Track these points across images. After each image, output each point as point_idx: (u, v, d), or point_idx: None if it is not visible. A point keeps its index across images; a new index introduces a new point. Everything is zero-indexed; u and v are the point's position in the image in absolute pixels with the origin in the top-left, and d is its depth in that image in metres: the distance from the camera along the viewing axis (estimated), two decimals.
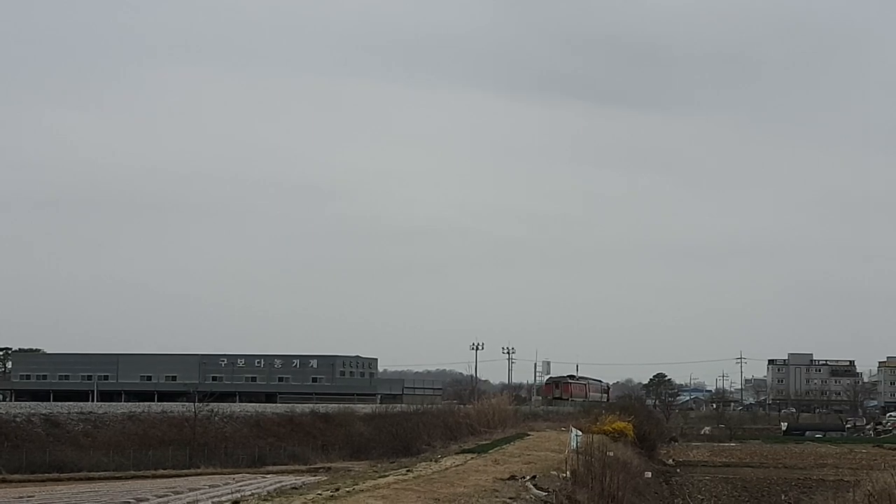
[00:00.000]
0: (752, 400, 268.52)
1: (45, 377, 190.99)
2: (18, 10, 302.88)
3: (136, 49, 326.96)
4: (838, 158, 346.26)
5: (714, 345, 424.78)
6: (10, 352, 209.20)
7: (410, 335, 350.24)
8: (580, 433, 54.24)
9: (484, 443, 69.97)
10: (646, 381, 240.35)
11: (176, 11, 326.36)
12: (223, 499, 44.11)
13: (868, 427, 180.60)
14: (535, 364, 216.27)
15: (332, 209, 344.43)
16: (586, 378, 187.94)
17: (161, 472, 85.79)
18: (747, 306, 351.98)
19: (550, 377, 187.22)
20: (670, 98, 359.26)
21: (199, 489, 63.17)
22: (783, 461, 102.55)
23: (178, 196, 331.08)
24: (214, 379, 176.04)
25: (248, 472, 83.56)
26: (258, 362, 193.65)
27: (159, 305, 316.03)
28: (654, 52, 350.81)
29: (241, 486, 64.98)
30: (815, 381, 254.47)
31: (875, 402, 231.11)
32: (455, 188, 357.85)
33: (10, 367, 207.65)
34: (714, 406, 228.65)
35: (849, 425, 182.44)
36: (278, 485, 57.72)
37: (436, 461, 52.33)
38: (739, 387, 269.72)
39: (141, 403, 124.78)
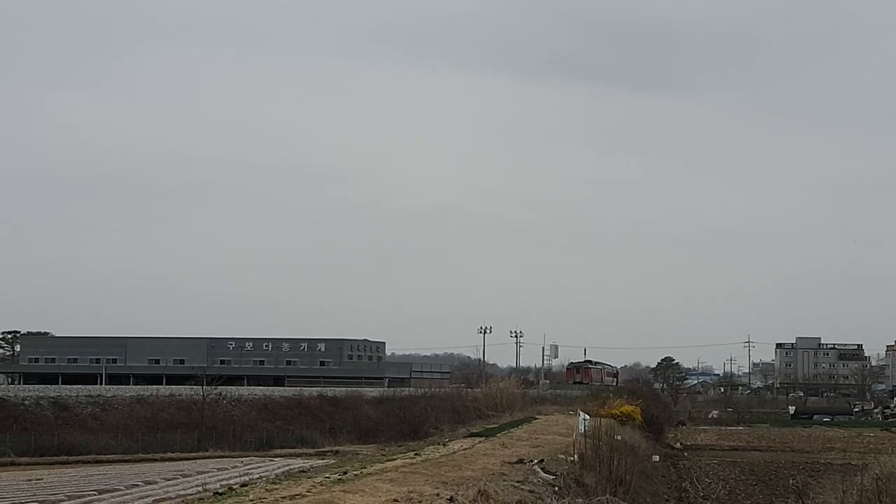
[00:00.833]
0: (759, 384, 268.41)
1: (53, 360, 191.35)
2: None
3: (139, 31, 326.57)
4: (846, 142, 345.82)
5: (722, 328, 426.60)
6: (18, 335, 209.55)
7: (418, 319, 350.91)
8: (588, 417, 54.23)
9: (492, 426, 70.00)
10: (654, 365, 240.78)
11: None
12: (231, 482, 44.14)
13: (876, 411, 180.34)
14: (543, 348, 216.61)
15: (340, 193, 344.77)
16: (602, 363, 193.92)
17: (169, 455, 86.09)
18: (755, 290, 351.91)
19: (571, 362, 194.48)
20: (676, 80, 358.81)
21: (208, 472, 63.38)
22: (791, 445, 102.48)
23: (184, 179, 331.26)
24: (222, 362, 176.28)
25: (256, 456, 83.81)
26: (266, 346, 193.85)
27: (167, 289, 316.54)
28: (659, 33, 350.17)
29: (249, 469, 65.16)
30: (823, 364, 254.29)
31: (883, 386, 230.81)
32: (461, 171, 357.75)
33: (18, 350, 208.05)
34: (722, 390, 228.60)
35: (857, 409, 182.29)
36: (286, 468, 57.83)
37: (443, 445, 52.36)
38: (747, 370, 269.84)
39: (149, 387, 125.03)
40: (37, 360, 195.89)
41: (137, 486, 56.67)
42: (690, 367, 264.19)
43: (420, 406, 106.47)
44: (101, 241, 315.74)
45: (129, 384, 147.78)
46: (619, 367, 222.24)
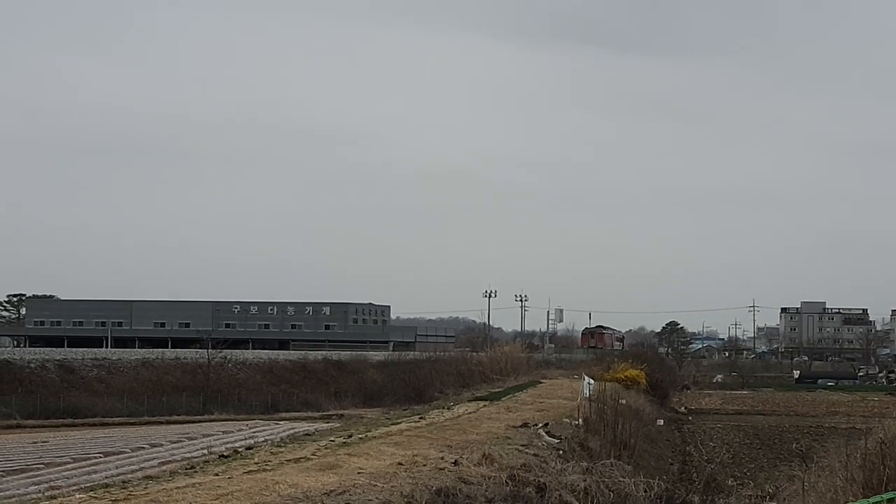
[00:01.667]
0: (764, 348, 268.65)
1: (59, 323, 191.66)
2: None
3: None
4: (853, 106, 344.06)
5: (727, 293, 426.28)
6: (24, 298, 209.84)
7: (423, 282, 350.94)
8: (592, 381, 54.28)
9: (496, 390, 70.11)
10: (658, 330, 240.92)
11: None
12: (237, 445, 44.27)
13: (880, 375, 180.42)
14: (548, 312, 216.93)
15: (345, 156, 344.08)
16: (610, 328, 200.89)
17: (175, 418, 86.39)
18: (760, 254, 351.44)
19: (586, 328, 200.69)
20: (681, 44, 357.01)
21: (213, 435, 63.52)
22: (795, 409, 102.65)
23: (189, 142, 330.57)
24: (227, 326, 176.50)
25: (261, 419, 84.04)
26: (271, 309, 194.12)
27: (172, 252, 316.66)
28: None
29: (254, 432, 65.36)
30: (828, 329, 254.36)
31: (888, 350, 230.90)
32: (465, 135, 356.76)
33: (24, 313, 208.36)
34: (726, 354, 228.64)
35: (861, 373, 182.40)
36: (291, 431, 58.01)
37: (448, 409, 52.45)
38: (752, 335, 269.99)
39: (154, 350, 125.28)
40: (42, 323, 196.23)
41: (143, 448, 56.86)
42: (695, 331, 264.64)
43: (425, 370, 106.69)
44: (107, 204, 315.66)
45: (134, 347, 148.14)
46: (623, 331, 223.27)
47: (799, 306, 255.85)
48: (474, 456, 29.21)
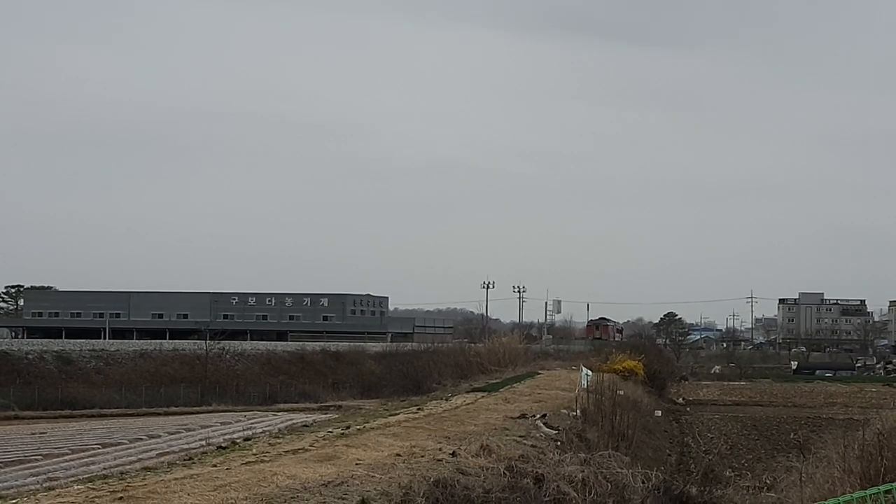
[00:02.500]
0: (762, 339, 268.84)
1: (57, 315, 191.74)
2: None
3: None
4: (850, 97, 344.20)
5: (725, 284, 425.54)
6: (22, 289, 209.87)
7: (421, 274, 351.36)
8: (590, 372, 54.30)
9: (494, 381, 70.10)
10: (656, 321, 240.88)
11: None
12: (235, 436, 44.29)
13: (878, 366, 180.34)
14: (546, 303, 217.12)
15: (343, 148, 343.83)
16: (613, 321, 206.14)
17: (173, 409, 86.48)
18: (758, 246, 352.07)
19: (592, 320, 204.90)
20: (679, 35, 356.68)
21: (211, 426, 63.60)
22: (793, 400, 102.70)
23: (188, 134, 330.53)
24: (226, 317, 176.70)
25: (260, 410, 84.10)
26: (269, 300, 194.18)
27: (171, 243, 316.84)
28: None
29: (252, 423, 65.35)
30: (826, 320, 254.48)
31: (885, 342, 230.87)
32: (462, 127, 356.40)
33: (22, 304, 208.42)
34: (724, 345, 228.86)
35: (859, 364, 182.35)
36: (289, 422, 58.01)
37: (446, 400, 52.46)
38: (750, 326, 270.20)
39: (153, 341, 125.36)
40: (40, 314, 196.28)
41: (141, 439, 56.90)
42: (693, 322, 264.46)
43: (423, 361, 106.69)
44: (105, 196, 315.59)
45: (132, 338, 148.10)
46: (622, 322, 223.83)
47: (797, 297, 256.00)
48: (472, 447, 29.23)
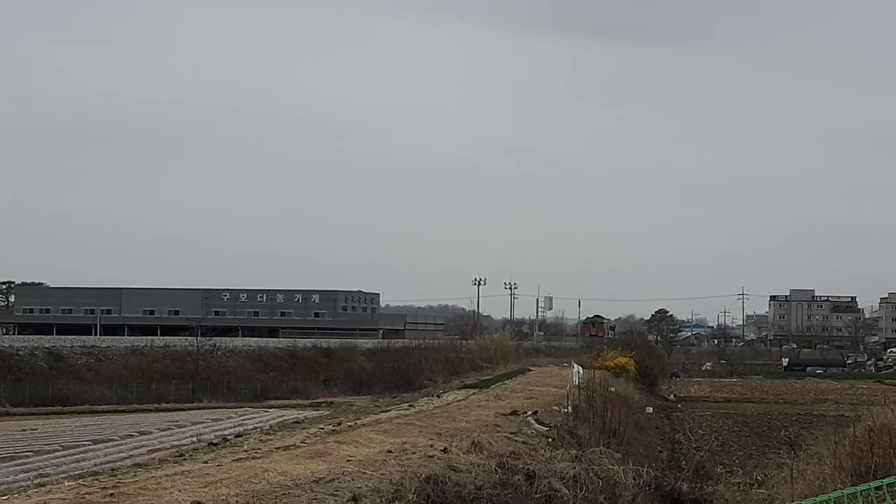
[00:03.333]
0: (753, 336, 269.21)
1: (48, 311, 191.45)
2: None
3: None
4: (843, 95, 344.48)
5: (716, 281, 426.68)
6: (13, 285, 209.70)
7: (413, 270, 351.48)
8: (582, 369, 54.33)
9: (486, 378, 70.13)
10: (648, 317, 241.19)
11: None
12: (226, 432, 44.29)
13: (869, 363, 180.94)
14: (538, 299, 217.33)
15: (335, 144, 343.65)
16: (605, 318, 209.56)
17: (164, 405, 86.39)
18: (749, 242, 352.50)
19: (587, 318, 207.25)
20: (671, 34, 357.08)
21: (202, 423, 63.50)
22: (784, 397, 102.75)
23: (181, 131, 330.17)
24: (217, 313, 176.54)
25: (251, 407, 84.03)
26: (261, 297, 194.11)
27: (162, 240, 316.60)
28: None
29: (243, 419, 65.35)
30: (817, 317, 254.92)
31: (876, 338, 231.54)
32: (455, 124, 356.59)
33: (13, 300, 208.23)
34: (715, 342, 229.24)
35: (850, 361, 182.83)
36: (280, 419, 58.00)
37: (437, 396, 52.48)
38: (741, 323, 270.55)
39: (144, 337, 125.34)
40: (31, 310, 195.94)
41: (132, 436, 56.83)
42: (684, 319, 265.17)
43: (414, 358, 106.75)
44: (97, 192, 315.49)
45: (123, 335, 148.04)
46: (613, 319, 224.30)
47: (788, 294, 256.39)
48: (463, 444, 29.22)
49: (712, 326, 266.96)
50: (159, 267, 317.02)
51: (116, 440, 54.56)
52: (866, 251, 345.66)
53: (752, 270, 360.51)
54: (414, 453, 27.25)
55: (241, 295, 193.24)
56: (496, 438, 32.50)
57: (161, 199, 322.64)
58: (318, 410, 69.50)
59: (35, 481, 25.68)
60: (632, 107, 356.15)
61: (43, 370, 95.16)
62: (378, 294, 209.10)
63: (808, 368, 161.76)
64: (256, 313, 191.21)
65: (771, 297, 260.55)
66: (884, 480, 9.19)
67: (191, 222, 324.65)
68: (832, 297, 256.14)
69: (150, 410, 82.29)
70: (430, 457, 26.83)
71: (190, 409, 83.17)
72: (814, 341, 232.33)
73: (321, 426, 34.69)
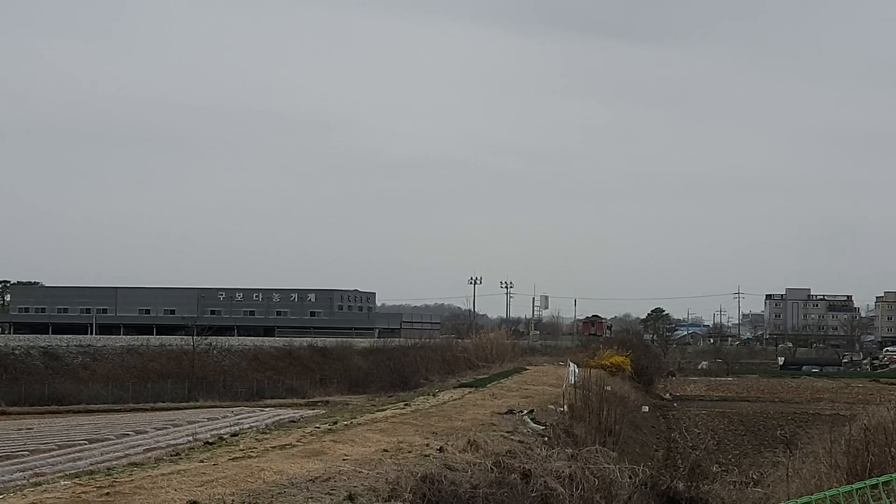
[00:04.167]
0: (749, 335, 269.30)
1: (43, 310, 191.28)
2: None
3: None
4: (837, 93, 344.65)
5: (712, 280, 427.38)
6: (8, 285, 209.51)
7: (409, 269, 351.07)
8: (578, 368, 54.37)
9: (482, 377, 70.16)
10: (644, 316, 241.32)
11: None
12: (222, 431, 44.28)
13: (865, 362, 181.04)
14: (534, 298, 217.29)
15: (331, 143, 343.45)
16: (603, 318, 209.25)
17: (160, 404, 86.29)
18: (745, 242, 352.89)
19: (587, 317, 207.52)
20: (666, 31, 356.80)
21: (198, 422, 63.46)
22: (780, 395, 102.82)
23: (175, 129, 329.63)
24: (213, 313, 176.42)
25: (247, 406, 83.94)
26: (256, 296, 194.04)
27: (158, 239, 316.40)
28: None
29: (239, 419, 65.27)
30: (813, 315, 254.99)
31: (872, 337, 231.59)
32: (451, 122, 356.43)
33: (8, 300, 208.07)
34: (711, 341, 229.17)
35: (845, 360, 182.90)
36: (276, 418, 57.99)
37: (433, 395, 52.51)
38: (737, 321, 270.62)
39: (139, 337, 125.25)
40: (27, 309, 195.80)
41: (128, 435, 56.78)
42: (680, 318, 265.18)
43: (410, 357, 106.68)
44: (92, 191, 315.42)
45: (119, 334, 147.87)
46: (609, 318, 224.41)
47: (784, 293, 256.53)
48: (459, 443, 29.27)
49: (708, 325, 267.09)
50: (155, 266, 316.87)
51: (112, 439, 54.50)
52: (862, 250, 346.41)
53: (748, 269, 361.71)
54: (410, 452, 27.28)
55: (237, 294, 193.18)
56: (492, 437, 32.54)
57: (157, 198, 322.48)
58: (314, 409, 69.48)
59: (31, 480, 25.68)
60: (627, 105, 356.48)
61: (39, 369, 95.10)
62: (374, 293, 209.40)
63: (804, 367, 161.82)
64: (252, 312, 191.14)
65: (767, 295, 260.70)
66: (879, 479, 9.18)
67: (187, 221, 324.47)
68: (828, 295, 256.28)
69: (146, 409, 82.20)
70: (426, 456, 26.86)
71: (186, 408, 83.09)
72: (810, 340, 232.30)
73: (317, 425, 34.70)
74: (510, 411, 43.18)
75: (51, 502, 18.30)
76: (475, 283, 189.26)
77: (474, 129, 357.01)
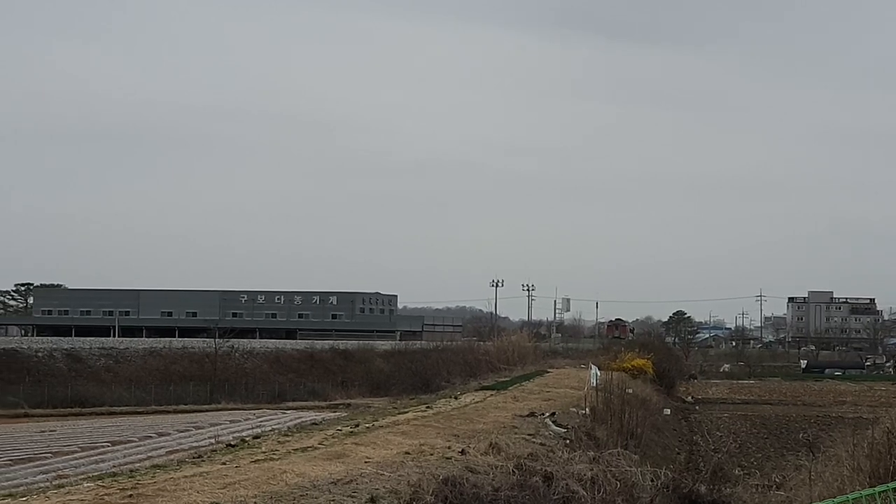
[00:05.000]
0: (771, 338, 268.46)
1: (66, 313, 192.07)
2: None
3: None
4: (856, 94, 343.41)
5: (734, 282, 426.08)
6: (31, 287, 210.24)
7: (430, 272, 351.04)
8: (599, 371, 54.32)
9: (503, 380, 70.10)
10: (665, 319, 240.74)
11: None
12: (244, 434, 44.37)
13: (888, 364, 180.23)
14: (555, 301, 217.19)
15: (352, 144, 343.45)
16: (625, 321, 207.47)
17: (182, 407, 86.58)
18: (767, 244, 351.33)
19: (611, 321, 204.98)
20: (684, 32, 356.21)
21: (220, 424, 63.71)
22: (802, 398, 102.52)
23: (197, 130, 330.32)
24: (234, 315, 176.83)
25: (269, 408, 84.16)
26: (278, 299, 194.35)
27: (180, 242, 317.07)
28: None
29: (261, 421, 65.44)
30: (835, 318, 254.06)
31: (895, 340, 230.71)
32: (475, 123, 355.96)
33: (31, 302, 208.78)
34: (733, 344, 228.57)
35: (868, 363, 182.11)
36: (298, 420, 58.10)
37: (455, 398, 52.48)
38: (759, 324, 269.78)
39: (162, 339, 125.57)
40: (50, 312, 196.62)
41: (150, 437, 57.01)
42: (702, 321, 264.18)
43: (432, 359, 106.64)
44: (114, 193, 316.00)
45: (141, 336, 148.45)
46: (630, 320, 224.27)
47: (806, 296, 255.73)
48: (481, 445, 29.26)
49: (730, 328, 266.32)
50: (177, 269, 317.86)
51: (135, 441, 54.73)
52: (885, 253, 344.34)
53: (771, 272, 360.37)
54: (432, 455, 27.29)
55: (259, 297, 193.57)
56: (514, 440, 32.52)
57: (180, 201, 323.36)
58: (335, 412, 69.61)
59: (54, 482, 25.78)
60: (647, 106, 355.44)
61: (61, 372, 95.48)
62: (395, 296, 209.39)
63: (827, 370, 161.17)
64: (274, 315, 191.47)
65: (789, 298, 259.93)
66: None
67: (208, 224, 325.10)
68: (851, 298, 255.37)
69: (169, 412, 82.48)
70: (447, 458, 26.87)
71: (208, 410, 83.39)
72: (832, 343, 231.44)
73: (339, 428, 34.74)
74: (532, 414, 43.14)
75: None
76: (497, 285, 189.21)
77: (494, 129, 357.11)
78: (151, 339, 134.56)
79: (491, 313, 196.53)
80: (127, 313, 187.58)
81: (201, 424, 64.29)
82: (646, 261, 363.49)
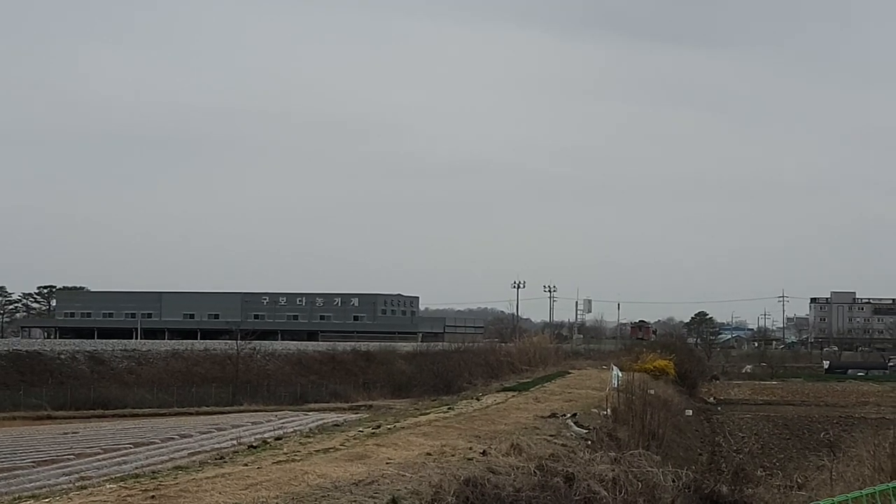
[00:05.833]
0: (793, 338, 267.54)
1: (88, 315, 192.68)
2: None
3: None
4: (879, 95, 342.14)
5: (756, 283, 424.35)
6: (54, 290, 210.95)
7: (452, 273, 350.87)
8: (621, 371, 54.26)
9: (525, 381, 70.12)
10: (687, 320, 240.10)
11: None
12: (266, 435, 44.45)
13: None
14: (577, 302, 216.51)
15: (373, 148, 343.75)
16: (648, 322, 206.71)
17: (204, 408, 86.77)
18: (789, 244, 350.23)
19: (634, 322, 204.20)
20: (708, 33, 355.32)
21: (243, 426, 63.83)
22: (824, 399, 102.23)
23: (219, 133, 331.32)
24: (256, 317, 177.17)
25: (291, 410, 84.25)
26: (300, 301, 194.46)
27: (202, 244, 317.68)
28: None
29: (283, 423, 65.54)
30: (858, 319, 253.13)
31: None
32: (496, 125, 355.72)
33: (54, 304, 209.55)
34: (756, 344, 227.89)
35: (891, 363, 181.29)
36: (320, 422, 58.14)
37: (477, 399, 52.50)
38: (781, 325, 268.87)
39: (184, 341, 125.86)
40: (72, 314, 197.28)
41: (172, 439, 57.13)
42: (724, 321, 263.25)
43: (453, 361, 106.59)
44: (136, 196, 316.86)
45: (164, 339, 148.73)
46: (652, 321, 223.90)
47: (829, 296, 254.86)
48: (503, 446, 29.28)
49: (752, 329, 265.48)
50: (199, 271, 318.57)
51: (157, 443, 54.87)
52: None
53: (793, 272, 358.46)
54: (453, 456, 27.32)
55: (281, 299, 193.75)
56: (535, 441, 32.53)
57: (200, 203, 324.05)
58: (357, 413, 69.68)
59: (76, 484, 25.89)
60: (669, 107, 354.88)
61: (84, 374, 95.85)
62: (417, 297, 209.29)
63: (849, 371, 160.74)
64: (296, 317, 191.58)
65: (812, 299, 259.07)
66: None
67: (230, 226, 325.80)
68: (874, 299, 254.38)
69: (191, 413, 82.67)
70: (469, 459, 26.90)
71: (230, 412, 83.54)
72: (855, 344, 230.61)
73: (360, 429, 34.81)
74: (553, 415, 43.13)
75: None
76: (518, 287, 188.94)
77: (516, 132, 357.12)
78: (174, 341, 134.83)
79: (512, 314, 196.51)
80: (149, 315, 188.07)
81: (223, 426, 64.44)
82: (668, 261, 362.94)
